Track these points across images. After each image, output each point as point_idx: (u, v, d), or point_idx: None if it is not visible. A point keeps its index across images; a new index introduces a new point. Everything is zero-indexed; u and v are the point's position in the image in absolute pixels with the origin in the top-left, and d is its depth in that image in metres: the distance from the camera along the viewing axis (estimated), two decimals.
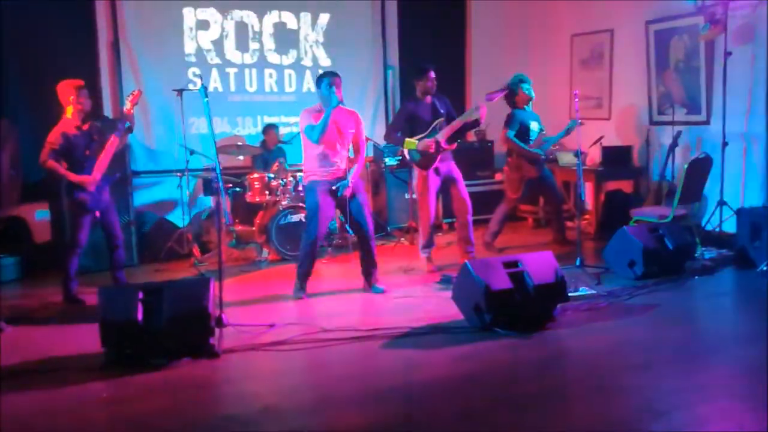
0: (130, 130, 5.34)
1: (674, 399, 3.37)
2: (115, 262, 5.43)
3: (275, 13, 7.54)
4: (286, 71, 7.65)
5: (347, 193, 5.15)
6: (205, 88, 4.51)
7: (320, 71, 7.65)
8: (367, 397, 3.48)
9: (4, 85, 6.40)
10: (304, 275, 5.25)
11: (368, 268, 5.37)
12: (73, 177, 5.09)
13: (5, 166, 4.99)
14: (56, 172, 5.09)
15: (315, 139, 5.03)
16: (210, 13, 7.23)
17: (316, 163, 5.15)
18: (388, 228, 7.63)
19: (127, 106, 5.24)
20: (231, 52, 7.37)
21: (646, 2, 7.33)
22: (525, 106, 6.53)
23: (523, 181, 6.57)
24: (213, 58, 7.28)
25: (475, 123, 5.85)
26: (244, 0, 7.37)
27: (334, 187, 5.13)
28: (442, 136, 5.72)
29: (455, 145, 5.85)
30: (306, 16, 7.68)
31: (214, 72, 7.30)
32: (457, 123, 5.72)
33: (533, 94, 6.53)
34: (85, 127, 5.19)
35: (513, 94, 6.44)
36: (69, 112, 5.14)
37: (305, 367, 3.99)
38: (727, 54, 6.39)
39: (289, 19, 7.61)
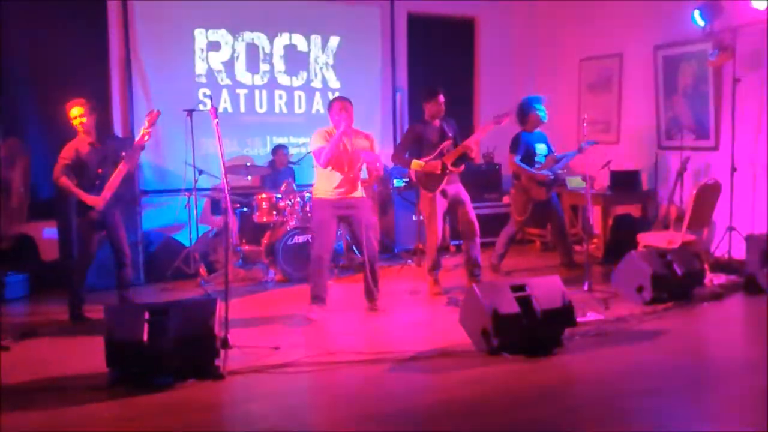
0: (141, 148, 5.32)
1: (682, 426, 3.33)
2: (122, 281, 5.41)
3: (286, 35, 7.61)
4: (296, 93, 7.70)
5: (359, 204, 5.23)
6: (215, 108, 4.52)
7: (330, 94, 7.75)
8: (373, 422, 3.45)
9: (15, 102, 6.47)
10: (317, 297, 5.19)
11: (370, 289, 5.39)
12: (84, 196, 5.11)
13: (16, 183, 5.02)
14: (68, 189, 5.12)
15: (322, 161, 5.12)
16: (221, 35, 7.30)
17: (325, 182, 5.23)
18: (395, 250, 7.62)
19: (145, 125, 5.19)
20: (241, 74, 7.43)
21: (655, 27, 7.35)
22: (534, 129, 6.54)
23: (529, 203, 6.55)
24: (223, 79, 7.34)
25: (468, 157, 5.81)
26: (256, 19, 7.44)
27: (344, 207, 5.19)
28: (448, 159, 5.73)
29: (462, 167, 5.86)
30: (316, 39, 7.74)
31: (225, 93, 7.36)
32: (460, 148, 5.73)
33: (545, 118, 6.49)
34: (99, 145, 5.22)
35: (524, 115, 6.45)
36: (81, 131, 5.17)
37: (310, 390, 3.96)
38: (736, 80, 6.40)
39: (299, 41, 7.68)
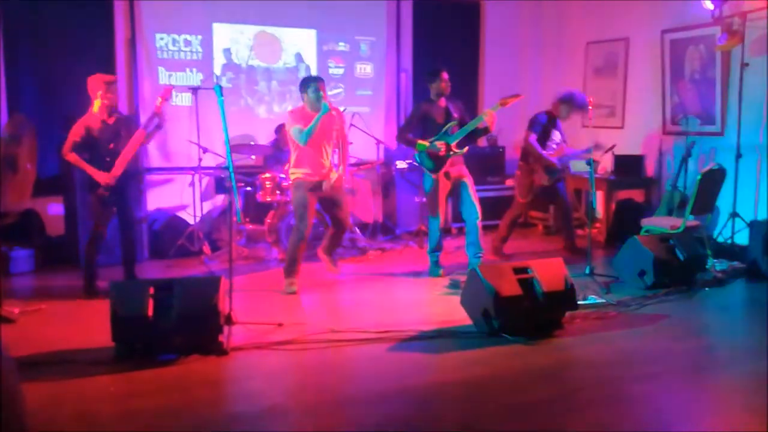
0: (159, 127, 5.32)
1: (682, 411, 3.36)
2: (128, 256, 5.46)
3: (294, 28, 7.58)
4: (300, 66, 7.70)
5: (336, 185, 5.51)
6: (220, 87, 4.52)
7: (330, 70, 7.73)
8: (374, 400, 3.49)
9: (21, 80, 6.46)
10: (293, 273, 5.46)
11: (333, 248, 5.88)
12: (93, 172, 5.12)
13: (22, 160, 5.03)
14: (77, 164, 5.14)
15: (303, 142, 5.33)
16: (226, 14, 7.26)
17: (303, 163, 5.44)
18: (397, 231, 7.64)
19: (158, 101, 5.22)
20: (244, 54, 7.39)
21: (662, 11, 7.30)
22: (558, 119, 6.59)
23: (533, 187, 6.57)
24: (227, 58, 7.31)
25: (486, 130, 5.83)
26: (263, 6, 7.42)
27: (321, 186, 5.45)
28: (453, 140, 5.73)
29: (466, 149, 5.85)
30: (325, 34, 7.70)
31: (229, 72, 7.33)
32: (467, 128, 5.72)
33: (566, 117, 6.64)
34: (111, 120, 5.20)
35: (560, 104, 6.53)
36: (96, 105, 5.16)
37: (313, 367, 3.99)
38: (744, 65, 6.36)
39: (305, 34, 7.64)
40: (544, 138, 6.49)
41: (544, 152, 6.44)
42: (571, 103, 6.53)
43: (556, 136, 6.57)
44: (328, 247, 5.89)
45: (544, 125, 6.49)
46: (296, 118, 5.39)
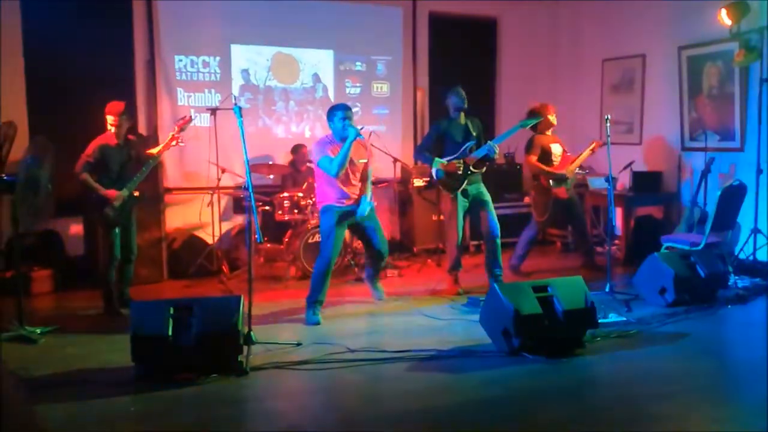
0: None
1: (704, 430, 3.30)
2: (124, 276, 5.49)
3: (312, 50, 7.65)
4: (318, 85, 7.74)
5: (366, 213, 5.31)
6: (239, 108, 4.56)
7: (347, 90, 7.77)
8: (393, 420, 3.46)
9: (42, 102, 6.56)
10: (318, 303, 5.17)
11: (374, 276, 5.69)
12: (102, 191, 5.24)
13: (43, 181, 5.10)
14: (87, 184, 5.25)
15: (335, 173, 5.09)
16: (246, 37, 7.34)
17: (331, 191, 5.22)
18: (415, 249, 7.62)
19: (174, 130, 5.45)
20: (263, 75, 7.45)
21: (679, 28, 7.29)
22: (545, 131, 6.56)
23: (549, 204, 6.55)
24: (246, 79, 7.39)
25: (489, 158, 5.73)
26: (281, 27, 7.49)
27: (352, 214, 5.27)
28: (470, 159, 5.72)
29: (484, 168, 5.84)
30: (342, 54, 7.76)
31: (247, 93, 7.40)
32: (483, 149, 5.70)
33: (555, 121, 6.59)
34: (125, 144, 5.37)
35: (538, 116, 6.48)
36: (112, 128, 5.31)
37: (331, 387, 3.98)
38: (763, 80, 6.31)
39: (324, 55, 7.70)
40: (546, 157, 6.47)
41: (547, 168, 6.43)
42: (543, 112, 6.47)
43: (557, 149, 6.55)
44: (368, 275, 5.75)
45: (538, 144, 6.48)
46: (324, 148, 5.17)
